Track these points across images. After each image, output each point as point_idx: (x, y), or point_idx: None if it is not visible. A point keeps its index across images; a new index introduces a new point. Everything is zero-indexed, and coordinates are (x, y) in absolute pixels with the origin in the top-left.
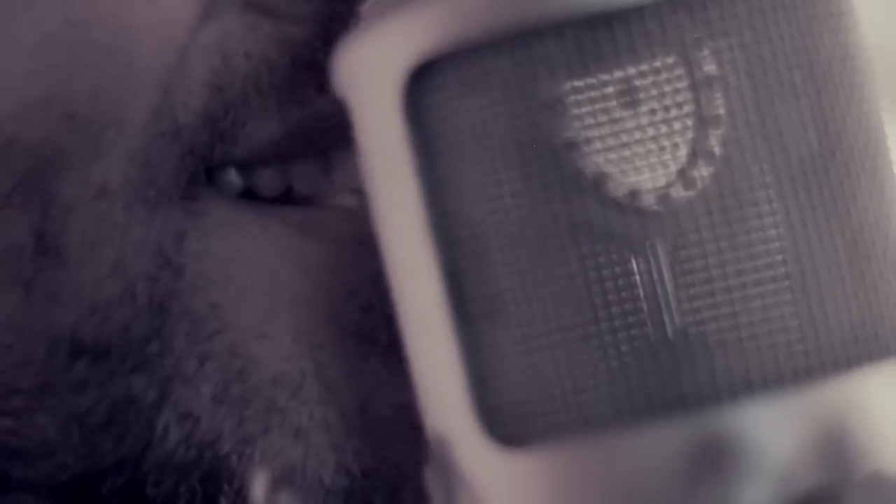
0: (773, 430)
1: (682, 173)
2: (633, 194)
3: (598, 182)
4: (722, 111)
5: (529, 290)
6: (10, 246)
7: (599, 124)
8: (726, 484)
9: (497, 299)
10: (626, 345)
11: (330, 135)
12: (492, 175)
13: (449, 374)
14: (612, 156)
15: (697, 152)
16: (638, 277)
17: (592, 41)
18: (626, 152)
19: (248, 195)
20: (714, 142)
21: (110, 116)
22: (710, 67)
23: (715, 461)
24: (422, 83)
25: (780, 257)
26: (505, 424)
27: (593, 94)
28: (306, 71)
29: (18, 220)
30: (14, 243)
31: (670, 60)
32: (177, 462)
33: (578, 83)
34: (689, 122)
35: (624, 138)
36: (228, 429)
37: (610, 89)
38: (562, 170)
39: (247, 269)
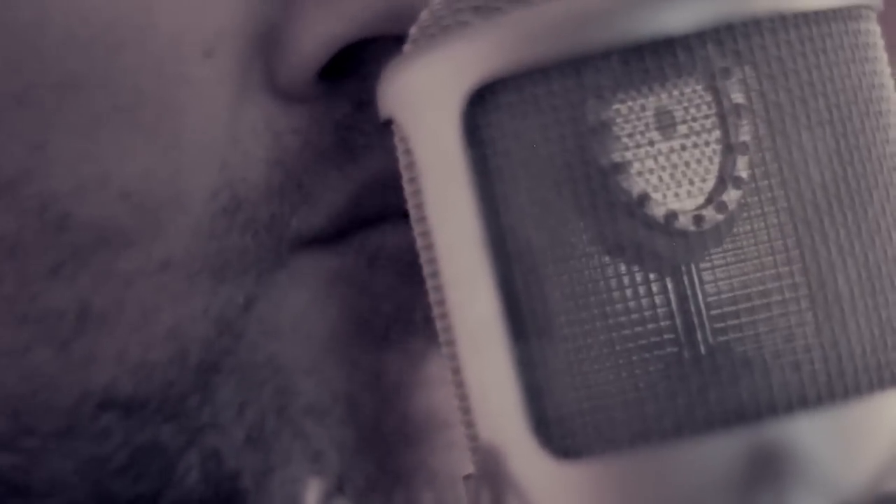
0: (821, 442)
1: (714, 197)
2: (672, 215)
3: (642, 203)
4: (748, 138)
5: (579, 307)
6: (49, 311)
7: (639, 146)
8: (778, 493)
9: (550, 314)
10: (663, 362)
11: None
12: (543, 194)
13: (504, 386)
14: (652, 178)
15: (725, 177)
16: (673, 297)
17: (631, 67)
18: (664, 175)
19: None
20: (742, 167)
21: (165, 194)
22: (737, 96)
23: (767, 472)
24: (479, 104)
25: (803, 280)
26: (560, 436)
27: (635, 118)
28: (349, 131)
29: (64, 290)
30: (54, 309)
31: (699, 88)
32: (193, 499)
33: (622, 107)
34: (718, 148)
35: (661, 161)
36: (251, 464)
37: (650, 114)
38: (607, 190)
39: (319, 308)
